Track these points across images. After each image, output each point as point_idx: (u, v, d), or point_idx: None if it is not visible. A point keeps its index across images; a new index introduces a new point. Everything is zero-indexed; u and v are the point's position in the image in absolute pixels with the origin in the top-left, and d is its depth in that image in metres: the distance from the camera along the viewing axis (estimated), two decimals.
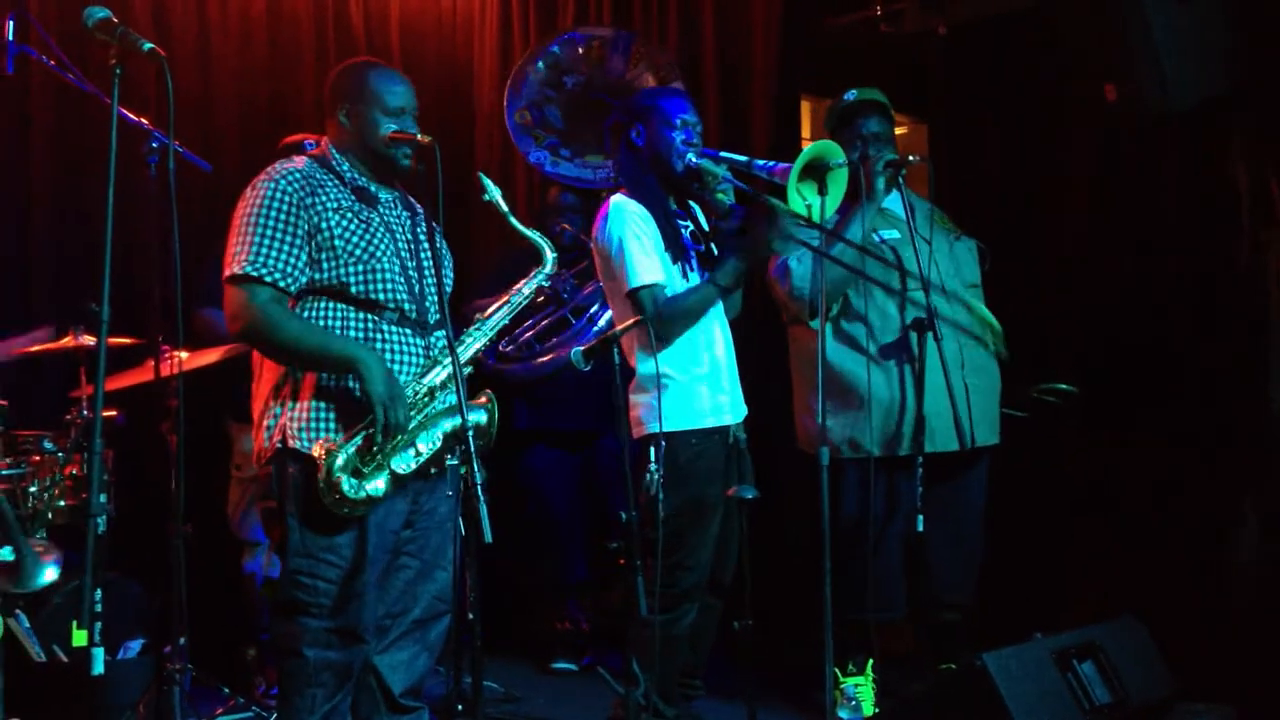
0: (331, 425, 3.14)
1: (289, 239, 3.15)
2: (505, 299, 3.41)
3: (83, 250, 4.88)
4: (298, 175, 3.22)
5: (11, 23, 3.75)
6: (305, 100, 5.57)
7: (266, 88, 5.53)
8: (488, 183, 3.39)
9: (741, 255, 3.71)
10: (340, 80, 3.39)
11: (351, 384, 3.15)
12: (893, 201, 4.12)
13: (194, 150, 4.02)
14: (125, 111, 3.23)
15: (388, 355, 3.20)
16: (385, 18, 5.89)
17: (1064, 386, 4.29)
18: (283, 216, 3.15)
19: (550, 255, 3.45)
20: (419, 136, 3.23)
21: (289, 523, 3.15)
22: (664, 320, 3.64)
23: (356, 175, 3.30)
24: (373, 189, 3.32)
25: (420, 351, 3.26)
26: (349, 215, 3.22)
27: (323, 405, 3.15)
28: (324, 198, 3.21)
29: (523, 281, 3.44)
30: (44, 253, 5.02)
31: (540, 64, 5.30)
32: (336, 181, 3.26)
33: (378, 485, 3.11)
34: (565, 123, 5.33)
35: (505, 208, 3.39)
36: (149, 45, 2.69)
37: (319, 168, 3.28)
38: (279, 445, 3.16)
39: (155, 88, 4.89)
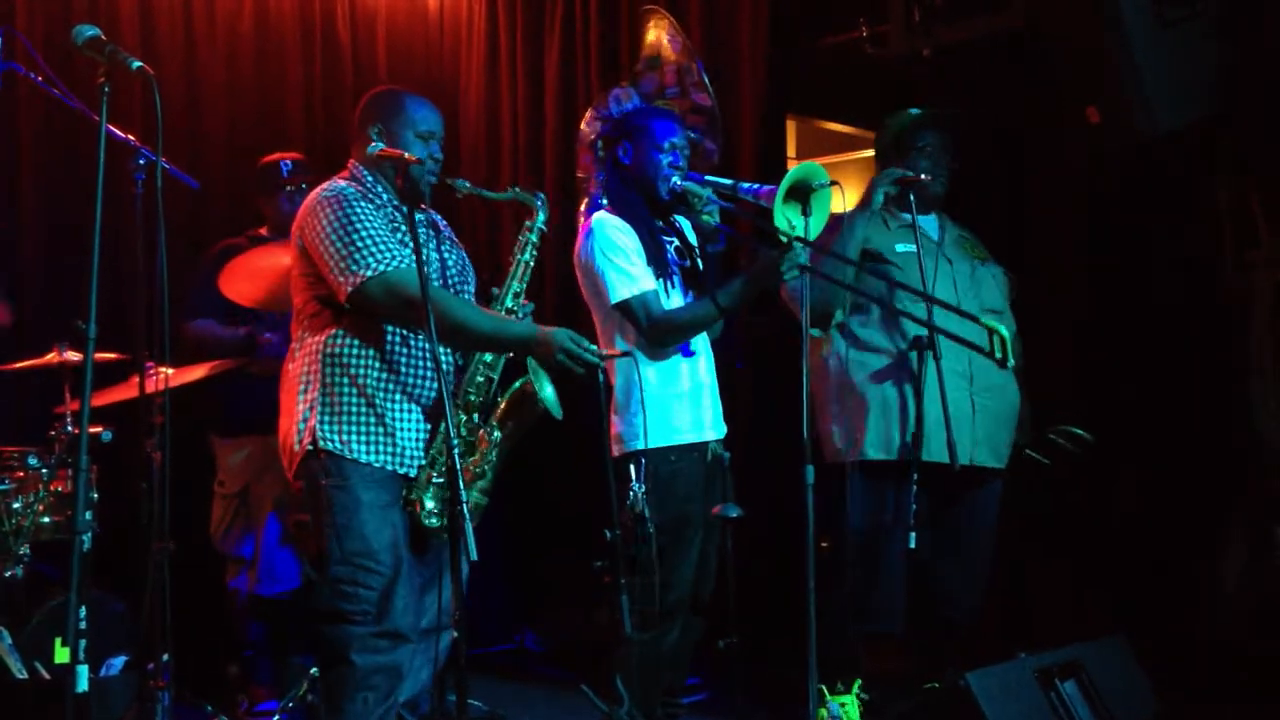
0: (359, 423, 3.22)
1: (383, 229, 3.23)
2: (510, 269, 3.47)
3: (70, 266, 4.86)
4: (354, 190, 3.31)
5: None
6: (292, 114, 5.57)
7: (253, 102, 5.53)
8: (454, 181, 3.45)
9: (750, 280, 3.69)
10: (376, 100, 3.46)
11: (369, 380, 3.23)
12: (928, 222, 4.20)
13: (180, 164, 4.01)
14: (113, 129, 3.23)
15: (419, 367, 3.29)
16: (372, 33, 5.90)
17: (1079, 432, 4.26)
18: (367, 214, 3.24)
19: (540, 207, 3.51)
20: (405, 155, 3.24)
21: (327, 533, 3.20)
22: (658, 330, 3.66)
23: (389, 196, 3.36)
24: (404, 209, 3.36)
25: (451, 360, 3.36)
26: (392, 231, 3.29)
27: (348, 405, 3.23)
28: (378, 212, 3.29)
29: (517, 247, 3.49)
30: (32, 269, 5.01)
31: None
32: (377, 200, 3.33)
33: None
34: None
35: (476, 189, 3.48)
36: (137, 64, 2.68)
37: (358, 187, 3.34)
38: (309, 447, 3.23)
39: (141, 101, 4.90)
